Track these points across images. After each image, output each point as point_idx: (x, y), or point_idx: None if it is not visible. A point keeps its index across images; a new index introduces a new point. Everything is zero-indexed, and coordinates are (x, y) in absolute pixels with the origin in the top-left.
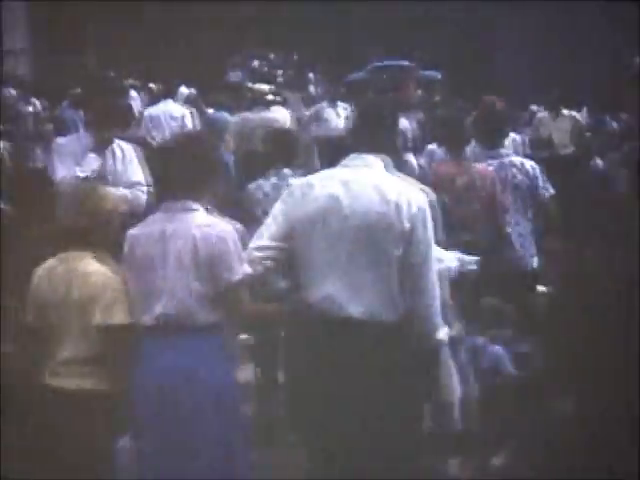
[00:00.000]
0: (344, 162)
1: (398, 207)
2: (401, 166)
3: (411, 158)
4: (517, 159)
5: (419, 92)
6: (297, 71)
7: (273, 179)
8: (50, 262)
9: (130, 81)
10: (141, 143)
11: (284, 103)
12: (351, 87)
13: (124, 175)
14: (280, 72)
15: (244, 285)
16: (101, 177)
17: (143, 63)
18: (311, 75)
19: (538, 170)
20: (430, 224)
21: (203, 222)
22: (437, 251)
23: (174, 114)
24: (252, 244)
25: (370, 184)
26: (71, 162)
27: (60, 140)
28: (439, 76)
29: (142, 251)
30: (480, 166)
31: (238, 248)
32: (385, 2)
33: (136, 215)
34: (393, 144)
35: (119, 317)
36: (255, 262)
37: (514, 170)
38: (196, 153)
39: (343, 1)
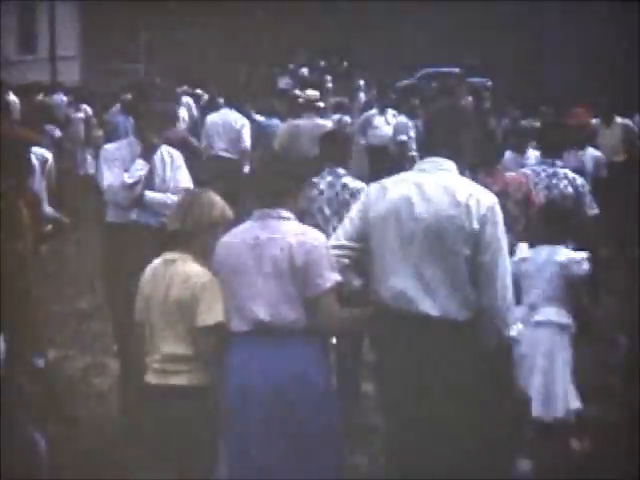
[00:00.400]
0: (419, 165)
1: (468, 208)
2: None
3: None
4: (570, 173)
5: (470, 99)
6: (346, 78)
7: (328, 177)
8: (155, 262)
9: (184, 88)
10: (191, 149)
11: (336, 109)
12: (401, 93)
13: (172, 181)
14: (329, 78)
15: (335, 291)
16: (148, 183)
17: (192, 70)
18: (361, 82)
19: (587, 188)
20: (501, 224)
21: (297, 230)
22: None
23: (233, 123)
24: (329, 243)
25: (441, 186)
26: (119, 168)
27: (108, 146)
28: (489, 83)
29: (235, 258)
30: (512, 173)
31: (329, 255)
32: (434, 8)
33: None
34: (463, 150)
35: (217, 317)
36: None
37: (566, 182)
38: (289, 166)
39: (392, 8)
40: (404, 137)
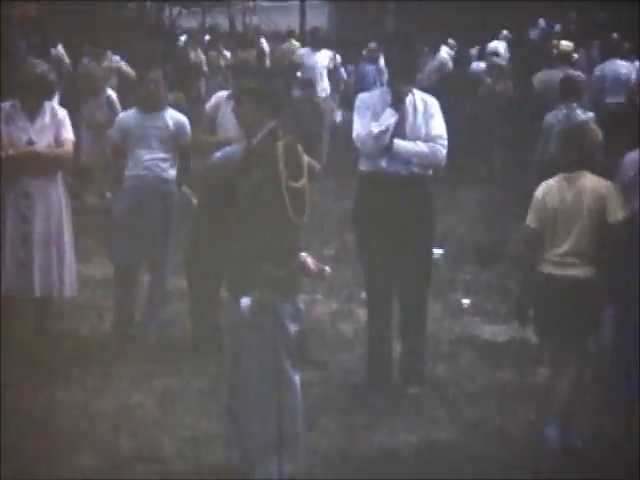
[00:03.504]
0: None
1: None
2: None
3: None
4: None
5: None
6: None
7: (564, 111)
8: (551, 181)
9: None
10: None
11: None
12: None
13: (423, 128)
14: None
15: None
16: (399, 131)
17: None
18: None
19: None
20: None
21: None
22: None
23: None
24: None
25: None
26: (370, 117)
27: (362, 95)
28: None
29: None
30: None
31: None
32: None
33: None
34: None
35: (625, 213)
36: None
37: None
38: None
39: None
40: None
